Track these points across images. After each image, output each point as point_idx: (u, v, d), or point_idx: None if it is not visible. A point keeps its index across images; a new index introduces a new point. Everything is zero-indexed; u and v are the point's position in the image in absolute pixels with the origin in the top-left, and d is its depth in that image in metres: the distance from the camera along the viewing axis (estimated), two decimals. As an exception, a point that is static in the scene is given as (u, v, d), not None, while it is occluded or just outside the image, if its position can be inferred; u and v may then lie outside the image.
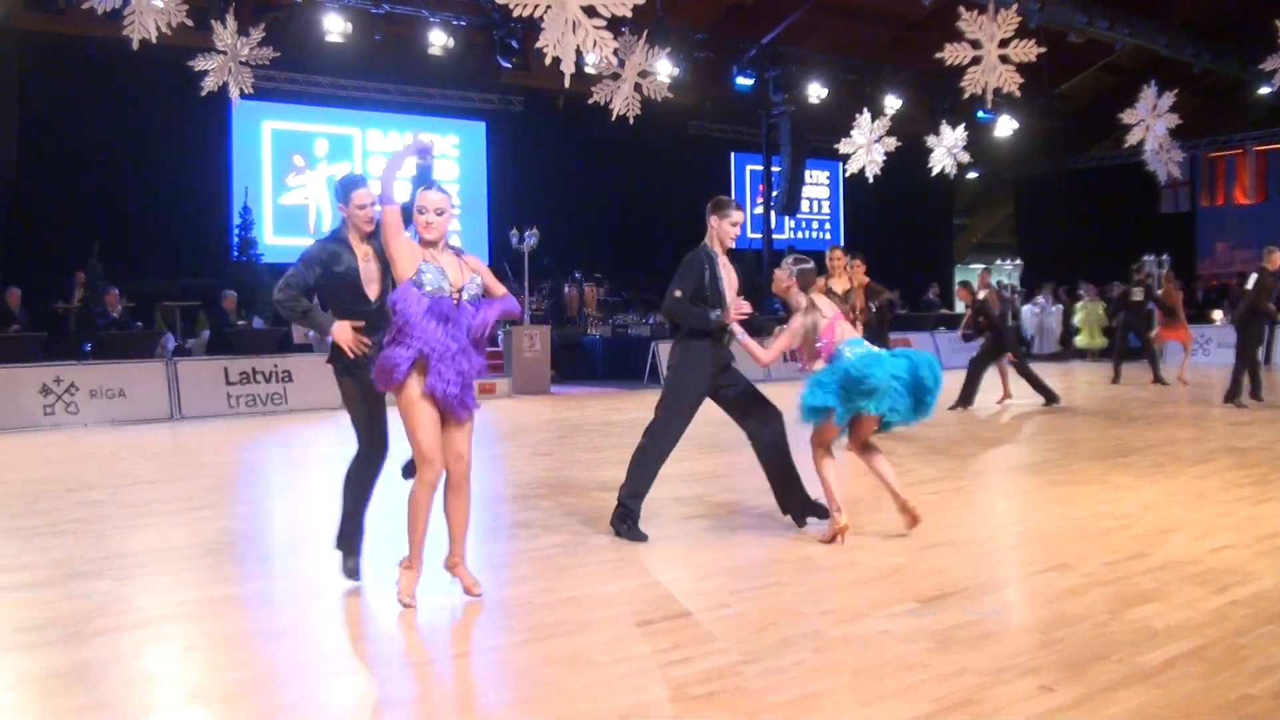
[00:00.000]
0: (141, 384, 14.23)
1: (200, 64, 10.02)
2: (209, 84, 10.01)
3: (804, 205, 25.11)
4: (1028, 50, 9.64)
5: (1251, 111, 26.54)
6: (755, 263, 24.62)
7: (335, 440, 12.43)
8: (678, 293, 6.68)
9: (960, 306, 28.11)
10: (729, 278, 6.81)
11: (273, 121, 20.94)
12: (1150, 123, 12.62)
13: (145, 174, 18.78)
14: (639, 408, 14.73)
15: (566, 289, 21.48)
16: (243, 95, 10.20)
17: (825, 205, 28.64)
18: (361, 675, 4.30)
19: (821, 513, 6.74)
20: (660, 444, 6.79)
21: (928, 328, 24.01)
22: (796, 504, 6.89)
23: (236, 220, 19.53)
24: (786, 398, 6.76)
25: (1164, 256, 21.84)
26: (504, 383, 17.29)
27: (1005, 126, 22.92)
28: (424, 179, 5.58)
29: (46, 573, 5.95)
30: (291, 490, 9.25)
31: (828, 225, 28.96)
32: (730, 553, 6.34)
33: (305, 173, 21.35)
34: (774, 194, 24.27)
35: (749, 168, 27.11)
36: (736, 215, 6.75)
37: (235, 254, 19.29)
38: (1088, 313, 23.86)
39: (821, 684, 4.10)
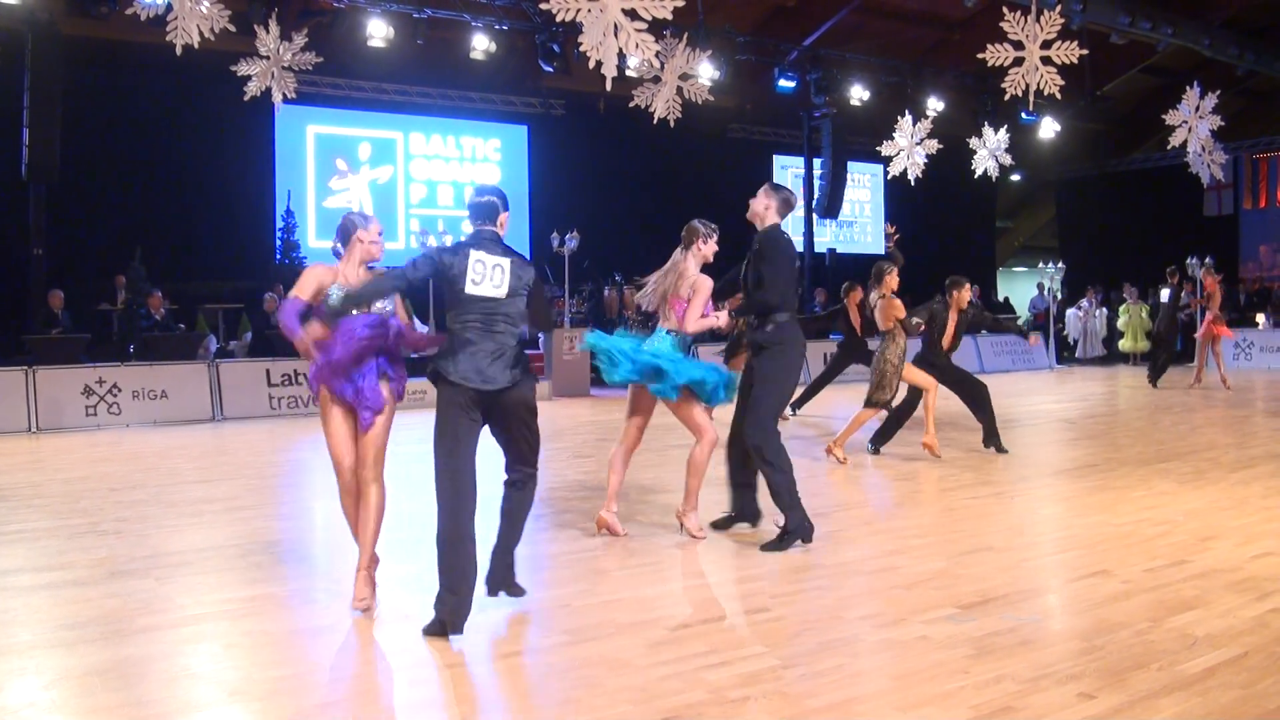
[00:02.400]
0: (184, 385, 14.37)
1: (244, 69, 10.13)
2: (252, 88, 10.12)
3: (845, 208, 24.97)
4: (1070, 52, 9.56)
5: (1298, 113, 26.23)
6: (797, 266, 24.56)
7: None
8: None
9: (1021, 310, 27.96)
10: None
11: (316, 125, 21.08)
12: (1193, 124, 12.49)
13: (189, 177, 18.95)
14: (666, 410, 14.71)
15: (606, 291, 21.49)
16: (286, 100, 10.30)
17: (867, 208, 28.50)
18: (400, 675, 4.32)
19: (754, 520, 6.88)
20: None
21: (969, 331, 23.84)
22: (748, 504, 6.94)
23: (280, 223, 19.66)
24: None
25: (1207, 259, 21.60)
26: (544, 385, 17.31)
27: (1048, 128, 22.75)
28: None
29: (88, 571, 6.02)
30: (332, 492, 9.26)
31: (869, 228, 28.83)
32: (767, 556, 6.32)
33: (348, 176, 21.47)
34: (815, 197, 24.20)
35: (790, 171, 27.01)
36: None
37: (278, 257, 19.43)
38: (1130, 316, 23.62)
39: (860, 689, 4.08)
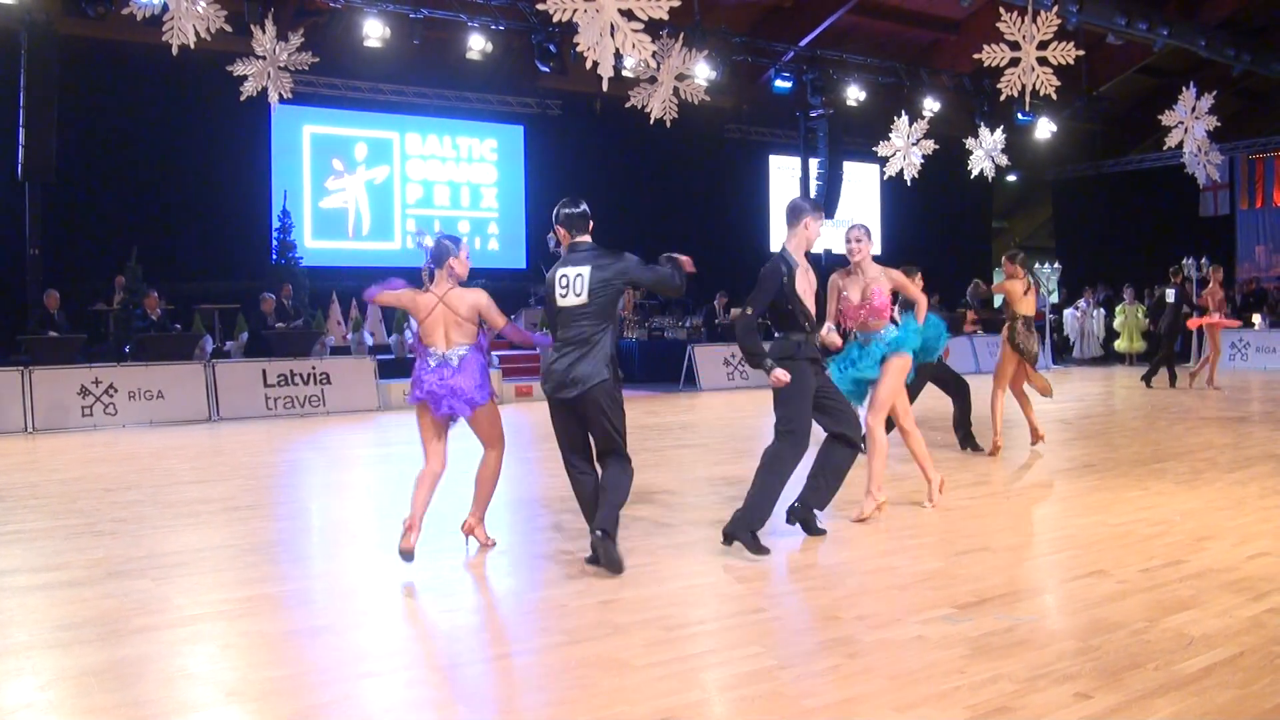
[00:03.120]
0: (180, 385, 14.37)
1: (240, 69, 10.13)
2: (248, 88, 10.11)
3: (841, 208, 24.97)
4: (1066, 52, 9.58)
5: (1294, 113, 26.29)
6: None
7: (373, 442, 12.51)
8: (749, 310, 6.36)
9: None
10: (809, 283, 6.63)
11: (312, 125, 21.09)
12: (1189, 125, 12.50)
13: (185, 178, 18.95)
14: (675, 411, 14.73)
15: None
16: (282, 99, 10.30)
17: (863, 208, 28.51)
18: (397, 676, 4.32)
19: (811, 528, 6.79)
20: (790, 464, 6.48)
21: (965, 332, 23.85)
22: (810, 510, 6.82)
23: (276, 223, 19.63)
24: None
25: (1203, 260, 21.63)
26: (540, 387, 17.29)
27: (1044, 129, 22.79)
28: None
29: (85, 572, 6.02)
30: (329, 492, 9.31)
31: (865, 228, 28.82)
32: (766, 557, 6.32)
33: (344, 176, 21.47)
34: (811, 197, 24.21)
35: (786, 171, 27.02)
36: (813, 219, 6.82)
37: (274, 257, 19.41)
38: (1127, 316, 23.65)
39: (856, 689, 4.08)
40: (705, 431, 12.49)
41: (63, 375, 13.73)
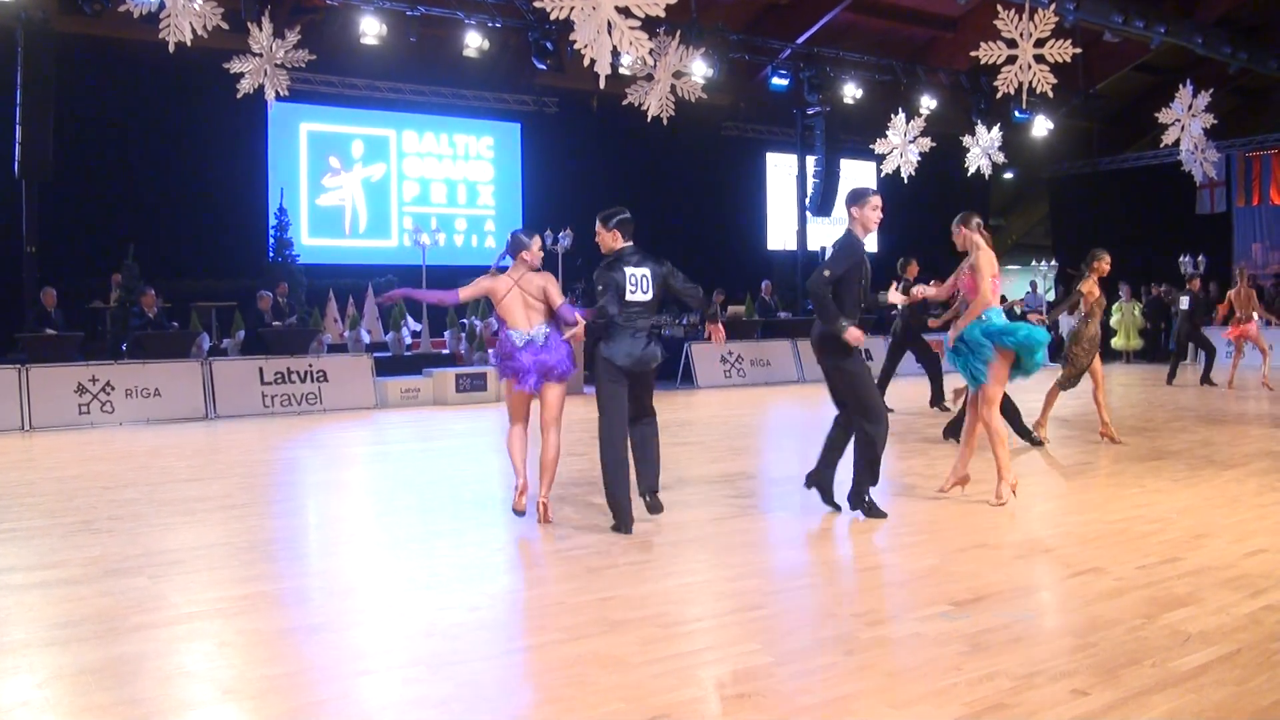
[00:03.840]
0: (177, 383, 14.35)
1: (236, 66, 10.12)
2: (245, 86, 10.11)
3: (838, 206, 24.98)
4: (1063, 50, 9.59)
5: (1288, 111, 26.28)
6: (789, 263, 24.57)
7: (370, 440, 12.50)
8: (826, 273, 6.96)
9: None
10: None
11: (309, 123, 21.07)
12: (1186, 122, 12.51)
13: (181, 175, 18.91)
14: (672, 409, 14.72)
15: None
16: (279, 97, 10.29)
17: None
18: (394, 674, 4.31)
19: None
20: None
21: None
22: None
23: (273, 221, 19.64)
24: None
25: (1199, 257, 21.63)
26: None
27: (1041, 126, 22.78)
28: None
29: (82, 569, 6.01)
30: (326, 490, 9.30)
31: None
32: (762, 554, 6.33)
33: (341, 174, 21.46)
34: (808, 194, 24.21)
35: (783, 169, 27.03)
36: (876, 199, 7.14)
37: (271, 255, 19.42)
38: (1123, 314, 23.65)
39: (853, 686, 4.08)
40: (702, 429, 12.47)
41: (60, 373, 13.71)
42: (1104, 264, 10.62)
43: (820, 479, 7.32)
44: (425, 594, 5.45)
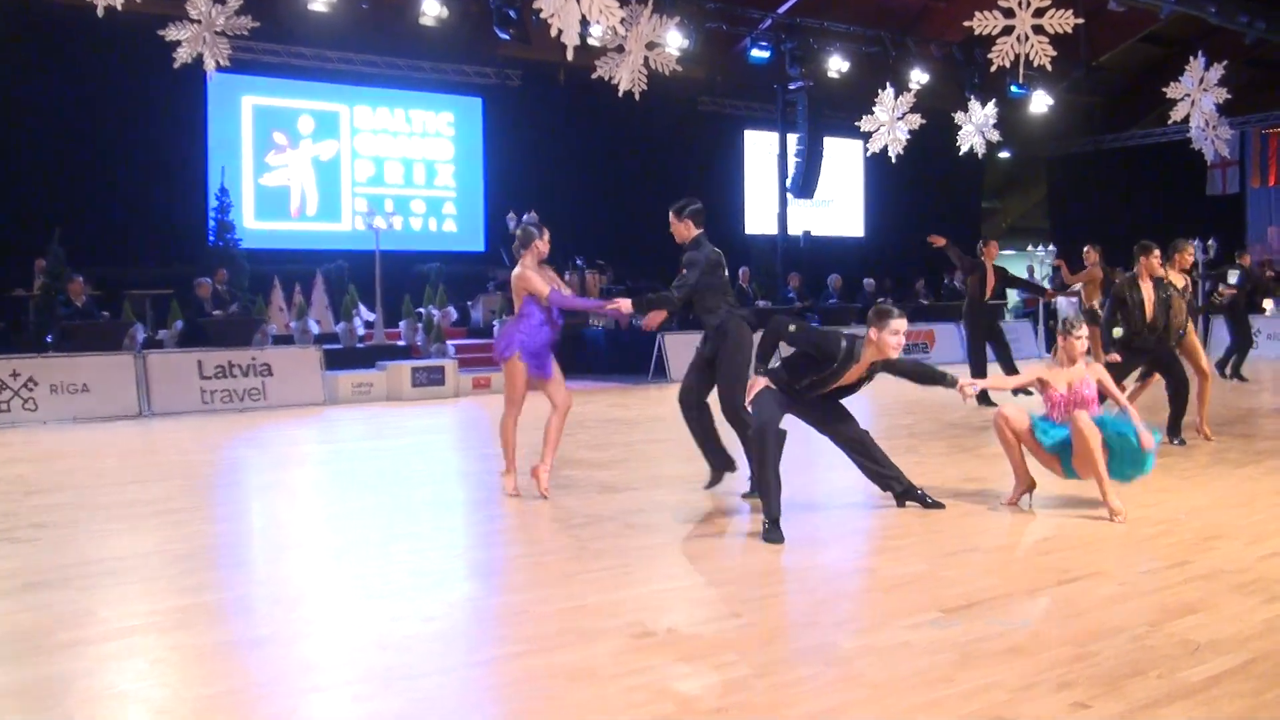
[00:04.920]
0: (107, 378, 14.22)
1: (172, 33, 10.01)
2: (182, 55, 10.00)
3: (822, 187, 25.02)
4: (1064, 20, 9.61)
5: (1311, 86, 26.32)
6: (769, 248, 24.60)
7: (319, 438, 12.46)
8: (792, 327, 7.10)
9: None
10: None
11: (253, 96, 20.94)
12: (1196, 97, 12.57)
13: (113, 153, 18.77)
14: (643, 404, 14.74)
15: (566, 276, 21.40)
16: (219, 68, 10.19)
17: (845, 188, 28.59)
18: (346, 690, 4.29)
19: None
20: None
21: (953, 318, 23.95)
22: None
23: (213, 202, 19.48)
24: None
25: (1210, 241, 21.74)
26: (498, 377, 17.21)
27: (1039, 102, 22.88)
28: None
29: (1, 583, 5.94)
30: (271, 492, 9.26)
31: (847, 208, 28.92)
32: (739, 559, 6.33)
33: (288, 152, 21.34)
34: (790, 175, 24.25)
35: (763, 147, 27.06)
36: (898, 324, 6.93)
37: (212, 239, 19.27)
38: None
39: (837, 699, 4.09)
40: (676, 425, 12.42)
41: (-21, 367, 13.59)
42: (1187, 255, 10.81)
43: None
44: (378, 603, 5.42)
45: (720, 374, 7.77)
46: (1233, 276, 18.17)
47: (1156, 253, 10.39)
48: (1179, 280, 10.61)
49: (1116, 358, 10.22)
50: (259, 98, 21.05)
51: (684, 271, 7.69)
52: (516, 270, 7.95)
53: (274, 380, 15.29)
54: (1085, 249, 14.63)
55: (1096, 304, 14.02)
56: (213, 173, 19.87)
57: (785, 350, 7.21)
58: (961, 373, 10.84)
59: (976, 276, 13.94)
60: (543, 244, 7.99)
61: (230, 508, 8.53)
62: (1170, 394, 10.46)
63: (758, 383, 6.94)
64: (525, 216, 7.68)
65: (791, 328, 6.99)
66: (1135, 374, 10.79)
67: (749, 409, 7.05)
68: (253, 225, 20.48)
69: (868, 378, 7.14)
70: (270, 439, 12.33)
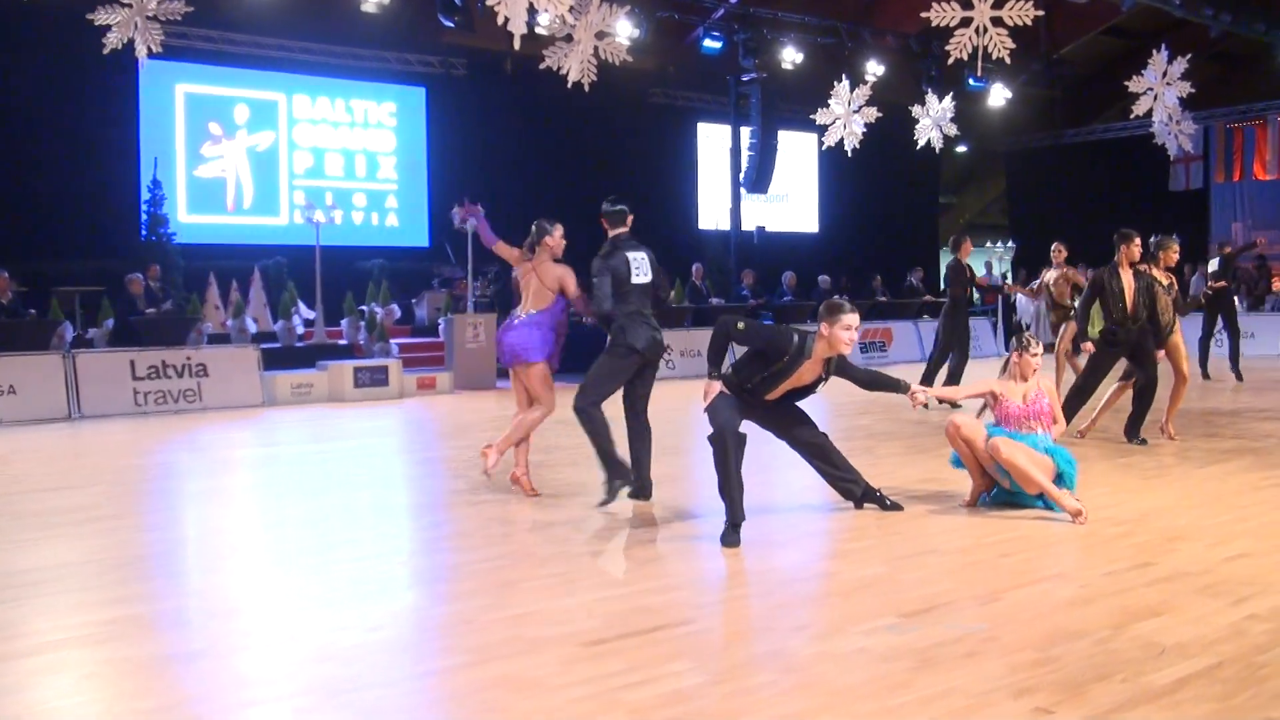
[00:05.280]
0: (34, 379, 14.03)
1: (102, 17, 9.87)
2: (112, 41, 9.87)
3: (776, 182, 25.08)
4: (1024, 11, 9.67)
5: (1276, 78, 26.47)
6: (722, 244, 24.65)
7: (257, 441, 12.36)
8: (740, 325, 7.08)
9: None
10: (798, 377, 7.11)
11: (186, 84, 20.71)
12: (1159, 91, 12.68)
13: (39, 142, 18.50)
14: (595, 405, 14.70)
15: (514, 273, 21.41)
16: (151, 54, 10.06)
17: (799, 182, 28.68)
18: (284, 704, 4.26)
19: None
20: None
21: (910, 316, 24.10)
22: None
23: (145, 195, 19.24)
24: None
25: (1173, 236, 21.90)
26: (444, 377, 17.22)
27: (998, 95, 23.08)
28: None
29: (-77, 593, 5.85)
30: (207, 498, 9.16)
31: (802, 203, 29.03)
32: (692, 563, 6.34)
33: (223, 142, 21.13)
34: (743, 169, 24.29)
35: (716, 140, 27.10)
36: (849, 318, 6.94)
37: (144, 233, 19.03)
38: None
39: (793, 706, 4.10)
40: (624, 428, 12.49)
41: (-102, 368, 13.38)
42: (1172, 253, 10.89)
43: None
44: (319, 613, 5.38)
45: (593, 367, 7.97)
46: (1213, 265, 18.12)
47: (1137, 241, 10.46)
48: (1164, 278, 10.70)
49: (1090, 347, 10.37)
50: (193, 86, 20.82)
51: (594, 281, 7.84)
52: (545, 265, 8.21)
53: (210, 381, 15.15)
54: (1055, 246, 14.71)
55: (1067, 300, 14.16)
56: (145, 164, 19.61)
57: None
58: (916, 374, 10.93)
59: (966, 276, 14.25)
60: (553, 241, 8.24)
61: (164, 515, 8.44)
62: (1136, 390, 10.56)
63: (712, 388, 6.93)
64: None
65: (740, 325, 6.99)
66: (1116, 377, 10.89)
67: (707, 415, 7.02)
68: (187, 219, 20.27)
69: (824, 379, 7.16)
70: (206, 442, 12.21)
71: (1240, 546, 6.50)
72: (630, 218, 7.98)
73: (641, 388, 7.94)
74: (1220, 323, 17.86)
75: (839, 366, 7.10)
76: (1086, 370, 10.71)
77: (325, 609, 5.48)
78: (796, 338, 6.96)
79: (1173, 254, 10.85)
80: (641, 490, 7.89)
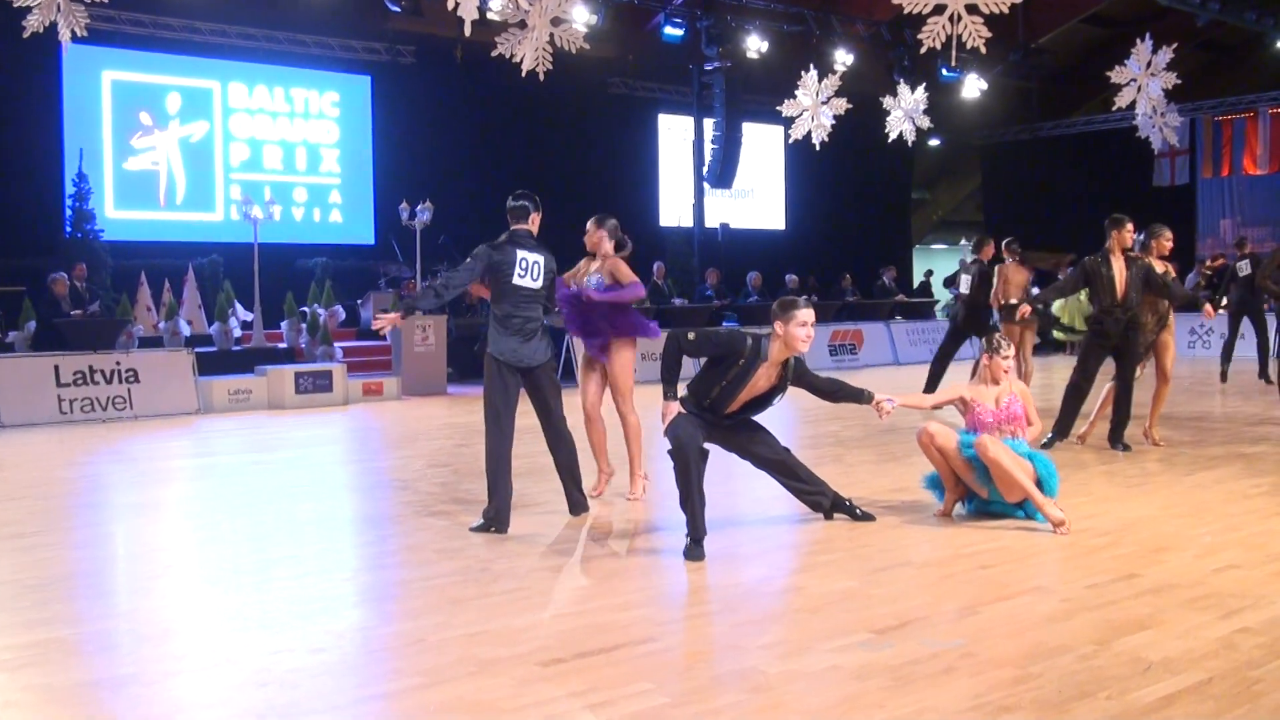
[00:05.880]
0: (-46, 386, 13.92)
1: (21, -1, 9.79)
2: (33, 24, 9.76)
3: (741, 176, 25.15)
4: (1001, -2, 9.71)
5: (1267, 69, 26.66)
6: (685, 242, 24.69)
7: (191, 451, 12.28)
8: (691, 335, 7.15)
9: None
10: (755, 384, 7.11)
11: (114, 71, 20.56)
12: (1143, 82, 12.76)
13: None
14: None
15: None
16: (75, 38, 9.95)
17: (765, 176, 28.77)
18: (218, 729, 4.22)
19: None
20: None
21: (882, 317, 24.19)
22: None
23: (70, 189, 19.09)
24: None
25: (1162, 225, 22.00)
26: (392, 382, 17.16)
27: (973, 86, 23.14)
28: None
29: None
30: (137, 513, 9.07)
31: (768, 199, 29.11)
32: (655, 579, 6.33)
33: (154, 133, 20.99)
34: (706, 163, 24.34)
35: (678, 132, 27.15)
36: (804, 314, 6.96)
37: (69, 230, 18.87)
38: (1067, 301, 24.15)
39: (763, 730, 4.09)
40: (583, 436, 12.48)
41: None
42: (1164, 241, 10.93)
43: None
44: (258, 634, 5.34)
45: None
46: (1243, 266, 17.96)
47: (1129, 226, 10.53)
48: (1160, 267, 10.74)
49: (1027, 310, 10.58)
50: (121, 73, 20.66)
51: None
52: (610, 263, 8.43)
53: (140, 387, 15.03)
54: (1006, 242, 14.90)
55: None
56: (69, 156, 19.46)
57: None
58: (888, 378, 10.95)
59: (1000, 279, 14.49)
60: (594, 238, 8.46)
61: (90, 531, 8.34)
62: (1115, 395, 10.63)
63: (670, 409, 6.94)
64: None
65: (690, 336, 7.02)
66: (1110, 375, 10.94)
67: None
68: (115, 215, 20.12)
69: (781, 388, 7.16)
70: (136, 453, 12.12)
71: (1230, 557, 6.55)
72: (535, 216, 7.88)
73: (539, 400, 7.88)
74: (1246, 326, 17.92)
75: (797, 373, 7.13)
76: (1076, 366, 10.84)
77: (264, 630, 5.44)
78: (750, 339, 7.00)
79: (1165, 242, 10.89)
80: (575, 506, 8.05)
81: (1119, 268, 10.42)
